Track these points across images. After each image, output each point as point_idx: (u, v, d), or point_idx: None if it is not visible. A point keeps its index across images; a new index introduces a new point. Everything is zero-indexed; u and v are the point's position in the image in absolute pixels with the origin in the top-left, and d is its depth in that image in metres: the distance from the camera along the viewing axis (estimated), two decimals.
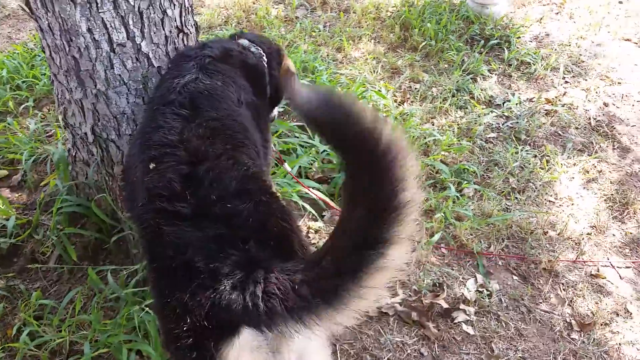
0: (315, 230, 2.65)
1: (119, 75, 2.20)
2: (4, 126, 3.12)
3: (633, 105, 3.55)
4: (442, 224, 2.61)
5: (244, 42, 2.19)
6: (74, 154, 2.68)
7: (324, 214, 2.75)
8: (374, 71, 3.74)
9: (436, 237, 2.54)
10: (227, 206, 1.32)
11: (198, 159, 1.43)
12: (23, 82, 3.45)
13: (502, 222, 2.63)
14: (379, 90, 3.43)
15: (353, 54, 3.93)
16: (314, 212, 2.62)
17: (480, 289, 2.34)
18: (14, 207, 2.69)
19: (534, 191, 2.87)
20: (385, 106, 3.37)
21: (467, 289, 2.33)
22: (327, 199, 2.65)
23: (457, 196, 2.75)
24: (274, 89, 2.21)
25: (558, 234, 2.62)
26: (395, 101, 3.49)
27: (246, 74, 2.01)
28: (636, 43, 4.15)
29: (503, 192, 2.85)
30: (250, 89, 1.95)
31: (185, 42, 2.35)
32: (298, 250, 1.39)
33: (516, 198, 2.81)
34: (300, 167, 2.81)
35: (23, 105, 3.35)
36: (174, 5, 2.21)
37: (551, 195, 2.85)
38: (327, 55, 3.96)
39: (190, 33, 2.37)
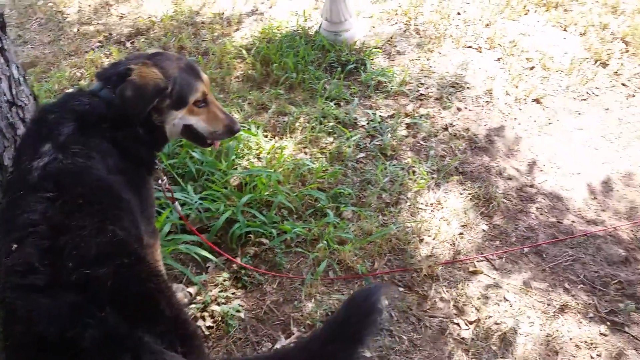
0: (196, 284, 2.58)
1: None
2: None
3: (482, 107, 3.89)
4: (327, 252, 2.66)
5: (95, 87, 1.87)
6: None
7: (208, 265, 2.69)
8: (241, 110, 3.76)
9: (322, 265, 2.58)
10: (84, 273, 1.30)
11: (60, 232, 1.39)
12: None
13: (381, 238, 2.73)
14: (249, 129, 3.45)
15: (218, 96, 3.93)
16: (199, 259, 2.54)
17: None
18: None
19: (406, 202, 3.03)
20: (257, 143, 3.39)
21: None
22: (213, 245, 2.60)
23: (336, 221, 2.82)
24: (146, 135, 1.89)
25: (433, 239, 2.79)
26: (266, 136, 3.52)
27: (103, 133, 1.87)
28: (477, 49, 4.57)
29: (378, 208, 2.98)
30: (115, 150, 1.76)
31: (21, 116, 2.20)
32: (166, 310, 1.38)
33: (391, 212, 2.95)
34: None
35: None
36: (0, 79, 2.07)
37: (422, 203, 3.03)
38: None
39: (26, 105, 2.23)
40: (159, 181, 2.15)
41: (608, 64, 4.31)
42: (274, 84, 4.05)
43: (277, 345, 2.30)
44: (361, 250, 2.70)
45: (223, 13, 5.11)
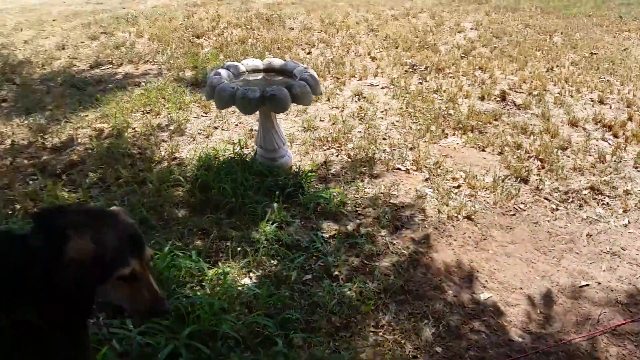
0: None
1: None
2: None
3: (419, 225, 4.05)
4: None
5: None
6: None
7: None
8: (182, 237, 3.69)
9: None
10: None
11: None
12: None
13: None
14: (190, 256, 3.36)
15: (157, 224, 3.85)
16: None
17: None
18: None
19: (357, 325, 2.97)
20: (199, 270, 3.29)
21: None
22: None
23: (286, 351, 2.70)
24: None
25: None
26: (209, 262, 3.43)
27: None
28: (405, 170, 4.88)
29: (329, 333, 2.89)
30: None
31: None
32: None
33: (342, 337, 2.87)
34: None
35: None
36: None
37: (373, 326, 2.99)
38: None
39: None
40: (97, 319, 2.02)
41: (528, 180, 4.73)
42: (214, 209, 4.05)
43: None
44: None
45: (160, 143, 5.20)
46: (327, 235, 3.80)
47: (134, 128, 5.52)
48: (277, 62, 4.82)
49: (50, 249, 1.60)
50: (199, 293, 3.08)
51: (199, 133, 5.50)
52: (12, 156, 4.94)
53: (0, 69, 7.42)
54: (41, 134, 5.36)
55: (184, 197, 4.22)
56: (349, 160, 4.99)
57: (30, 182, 4.46)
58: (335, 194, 4.26)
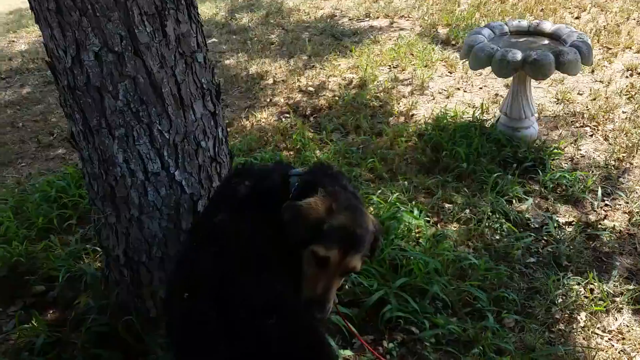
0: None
1: (153, 201, 2.29)
2: (46, 243, 3.23)
3: None
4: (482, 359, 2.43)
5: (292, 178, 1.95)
6: (106, 274, 2.72)
7: (354, 340, 2.63)
8: (407, 191, 3.76)
9: None
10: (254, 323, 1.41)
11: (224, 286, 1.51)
12: (69, 200, 3.63)
13: (546, 358, 2.42)
14: (411, 211, 3.42)
15: (385, 175, 4.00)
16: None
17: None
18: (47, 323, 2.70)
19: (579, 323, 2.67)
20: (418, 227, 3.33)
21: None
22: (355, 330, 2.53)
23: (496, 327, 2.59)
24: None
25: None
26: (428, 222, 3.45)
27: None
28: None
29: (545, 322, 2.67)
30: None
31: (218, 171, 2.45)
32: None
33: (560, 330, 2.62)
34: None
35: (67, 223, 3.49)
36: (208, 137, 2.34)
37: (598, 328, 2.65)
38: (360, 175, 4.03)
39: (224, 162, 2.48)
40: None
41: None
42: (443, 171, 4.01)
43: None
44: None
45: (401, 99, 5.31)
46: (563, 221, 3.44)
47: (379, 81, 5.73)
48: (548, 25, 4.37)
49: (299, 192, 1.82)
50: (415, 249, 3.13)
51: (439, 92, 5.43)
52: (271, 94, 5.63)
53: (274, 14, 8.39)
54: (298, 77, 5.96)
55: (414, 154, 4.27)
56: (606, 142, 4.35)
57: (283, 119, 5.04)
58: (582, 177, 3.79)
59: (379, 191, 3.72)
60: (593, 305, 2.77)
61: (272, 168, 2.12)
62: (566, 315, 2.72)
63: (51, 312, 2.92)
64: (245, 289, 1.52)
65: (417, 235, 3.31)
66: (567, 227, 3.38)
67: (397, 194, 3.67)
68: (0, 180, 4.52)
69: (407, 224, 3.36)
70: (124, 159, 2.20)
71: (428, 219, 3.49)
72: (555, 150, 4.10)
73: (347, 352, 2.56)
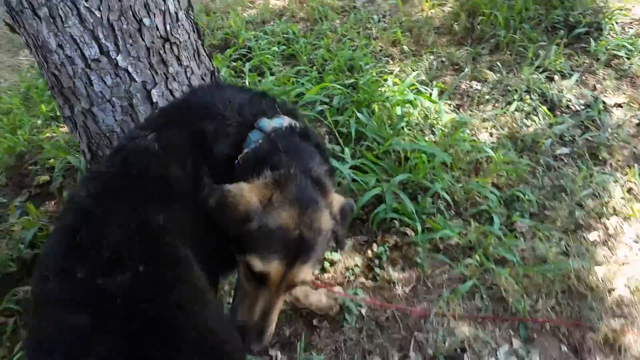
0: (330, 262, 2.31)
1: (100, 92, 2.01)
2: (48, 132, 3.12)
3: None
4: (478, 270, 2.14)
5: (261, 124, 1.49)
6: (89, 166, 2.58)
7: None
8: (429, 69, 3.25)
9: (467, 285, 2.08)
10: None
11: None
12: None
13: (557, 271, 2.09)
14: (429, 95, 2.95)
15: (408, 48, 3.45)
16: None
17: None
18: (47, 214, 2.66)
19: (606, 230, 2.27)
20: (436, 112, 2.89)
21: (497, 358, 1.88)
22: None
23: (502, 233, 2.25)
24: None
25: (631, 294, 2.04)
26: (450, 105, 2.99)
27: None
28: None
29: (565, 228, 2.29)
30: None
31: (177, 53, 2.08)
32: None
33: (580, 238, 2.24)
34: None
35: None
36: (153, 14, 1.94)
37: (629, 238, 2.24)
38: (380, 50, 3.51)
39: (182, 41, 2.10)
40: None
41: None
42: (476, 41, 3.40)
43: None
44: (525, 279, 2.11)
45: None
46: (612, 102, 2.86)
47: None
48: None
49: (246, 164, 1.40)
50: (426, 139, 2.73)
51: None
52: None
53: None
54: None
55: (446, 21, 3.64)
56: None
57: None
58: None
59: (397, 69, 3.23)
60: (628, 209, 2.34)
61: (240, 104, 1.52)
62: (591, 220, 2.32)
63: (53, 202, 2.89)
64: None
65: (433, 122, 2.88)
66: (615, 109, 2.81)
67: (417, 72, 3.17)
68: (15, 65, 4.39)
69: (423, 109, 2.92)
70: (57, 43, 1.88)
71: (449, 102, 3.02)
72: (619, 11, 3.34)
73: (336, 255, 2.35)
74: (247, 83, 3.16)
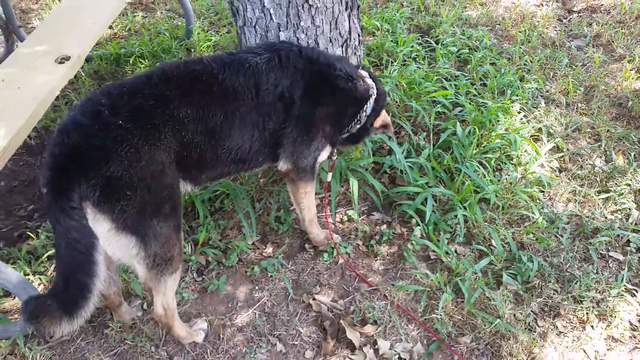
0: (348, 219, 2.78)
1: (250, 18, 2.74)
2: None
3: None
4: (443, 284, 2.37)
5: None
6: None
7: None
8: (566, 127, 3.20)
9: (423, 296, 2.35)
10: None
11: None
12: None
13: (498, 326, 2.20)
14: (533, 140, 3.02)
15: (569, 102, 3.42)
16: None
17: None
18: None
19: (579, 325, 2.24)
20: (528, 154, 2.99)
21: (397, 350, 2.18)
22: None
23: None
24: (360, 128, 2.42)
25: None
26: (550, 162, 3.02)
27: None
28: None
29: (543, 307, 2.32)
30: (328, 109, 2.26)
31: (313, 13, 2.65)
32: None
33: (550, 322, 2.26)
34: None
35: None
36: None
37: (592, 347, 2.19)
38: (540, 89, 3.56)
39: (319, 6, 2.64)
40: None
41: None
42: None
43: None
44: (467, 315, 2.26)
45: None
46: None
47: None
48: None
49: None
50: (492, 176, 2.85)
51: None
52: None
53: None
54: None
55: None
56: None
57: None
58: None
59: (537, 112, 3.30)
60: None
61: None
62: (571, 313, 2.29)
63: None
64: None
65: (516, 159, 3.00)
66: None
67: (549, 123, 3.21)
68: None
69: (521, 147, 3.00)
70: None
71: (553, 157, 3.03)
72: None
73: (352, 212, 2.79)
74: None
